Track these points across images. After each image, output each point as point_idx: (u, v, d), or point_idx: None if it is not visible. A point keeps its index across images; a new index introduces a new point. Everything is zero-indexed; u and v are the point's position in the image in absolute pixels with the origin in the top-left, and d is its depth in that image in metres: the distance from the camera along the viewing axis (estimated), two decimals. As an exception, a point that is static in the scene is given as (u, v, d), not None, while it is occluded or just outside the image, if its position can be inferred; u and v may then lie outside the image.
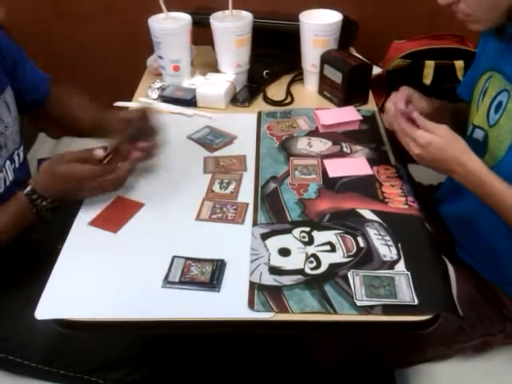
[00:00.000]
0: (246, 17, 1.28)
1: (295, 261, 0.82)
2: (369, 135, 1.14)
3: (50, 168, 0.90)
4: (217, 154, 1.10)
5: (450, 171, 0.87)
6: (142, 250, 0.86)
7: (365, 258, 0.82)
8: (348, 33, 1.37)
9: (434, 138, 0.86)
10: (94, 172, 0.89)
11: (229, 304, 0.76)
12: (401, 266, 0.80)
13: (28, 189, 0.88)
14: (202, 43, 1.43)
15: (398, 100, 0.94)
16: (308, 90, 1.37)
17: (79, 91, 1.16)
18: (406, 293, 0.75)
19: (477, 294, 0.98)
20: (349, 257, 0.82)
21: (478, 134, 0.95)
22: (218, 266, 0.81)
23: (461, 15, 0.86)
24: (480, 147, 0.93)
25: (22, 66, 1.08)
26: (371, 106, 1.27)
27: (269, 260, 0.82)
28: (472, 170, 0.84)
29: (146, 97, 1.32)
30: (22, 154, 1.06)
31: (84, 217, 0.92)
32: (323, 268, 0.81)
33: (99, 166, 0.90)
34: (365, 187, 0.98)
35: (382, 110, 1.03)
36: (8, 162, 0.99)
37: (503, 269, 0.96)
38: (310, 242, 0.86)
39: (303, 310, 0.74)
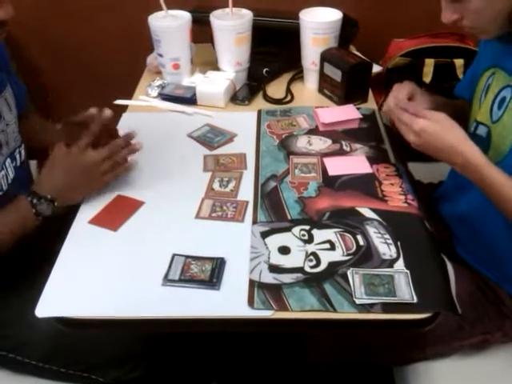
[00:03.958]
0: (246, 15, 1.28)
1: (295, 259, 0.82)
2: (368, 133, 1.14)
3: (55, 164, 0.90)
4: (217, 152, 1.10)
5: (448, 160, 0.87)
6: (142, 248, 0.86)
7: (364, 256, 0.82)
8: (348, 31, 1.38)
9: (429, 124, 0.86)
10: (101, 154, 0.91)
11: (228, 302, 0.76)
12: (400, 265, 0.80)
13: (30, 196, 0.88)
14: (201, 41, 1.43)
15: (399, 91, 0.94)
16: (308, 89, 1.37)
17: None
18: (406, 291, 0.76)
19: (476, 292, 0.98)
20: (348, 255, 0.83)
21: (482, 131, 0.95)
22: (218, 264, 0.81)
23: (467, 29, 0.88)
24: (483, 143, 0.93)
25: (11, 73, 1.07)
26: (371, 104, 1.27)
27: (268, 258, 0.82)
28: (470, 159, 0.84)
29: (145, 95, 1.32)
30: (23, 152, 1.06)
31: (84, 215, 0.92)
32: (323, 266, 0.81)
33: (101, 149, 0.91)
34: (364, 185, 0.98)
35: (380, 108, 1.03)
36: (9, 160, 0.99)
37: (503, 267, 0.97)
38: (310, 240, 0.86)
39: (303, 308, 0.74)
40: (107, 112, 0.93)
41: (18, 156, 1.03)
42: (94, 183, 0.94)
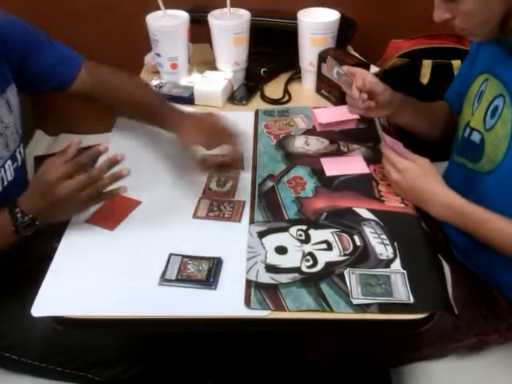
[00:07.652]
0: (244, 15, 1.29)
1: (292, 259, 0.82)
2: (366, 134, 1.14)
3: (37, 185, 0.84)
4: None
5: (427, 201, 0.89)
6: (138, 247, 0.86)
7: (361, 256, 0.82)
8: (346, 32, 1.38)
9: (412, 165, 0.90)
10: (78, 183, 0.81)
11: (225, 302, 0.76)
12: (397, 265, 0.81)
13: (17, 209, 0.83)
14: (199, 41, 1.43)
15: (386, 135, 0.96)
16: (305, 89, 1.37)
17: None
18: (402, 291, 0.76)
19: (472, 293, 0.98)
20: (345, 255, 0.83)
21: (475, 137, 0.96)
22: (215, 264, 0.81)
23: (457, 29, 0.88)
24: (477, 150, 0.94)
25: (40, 52, 1.03)
26: (368, 104, 1.27)
27: (265, 258, 0.82)
28: (450, 199, 0.87)
29: (143, 94, 1.32)
30: (23, 152, 1.05)
31: (81, 214, 0.92)
32: (320, 266, 0.81)
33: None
34: (361, 186, 0.98)
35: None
36: (9, 162, 0.98)
37: (498, 270, 0.97)
38: (307, 240, 0.86)
39: (299, 308, 0.74)
40: (102, 147, 0.84)
41: (18, 156, 1.02)
42: (75, 209, 0.87)
